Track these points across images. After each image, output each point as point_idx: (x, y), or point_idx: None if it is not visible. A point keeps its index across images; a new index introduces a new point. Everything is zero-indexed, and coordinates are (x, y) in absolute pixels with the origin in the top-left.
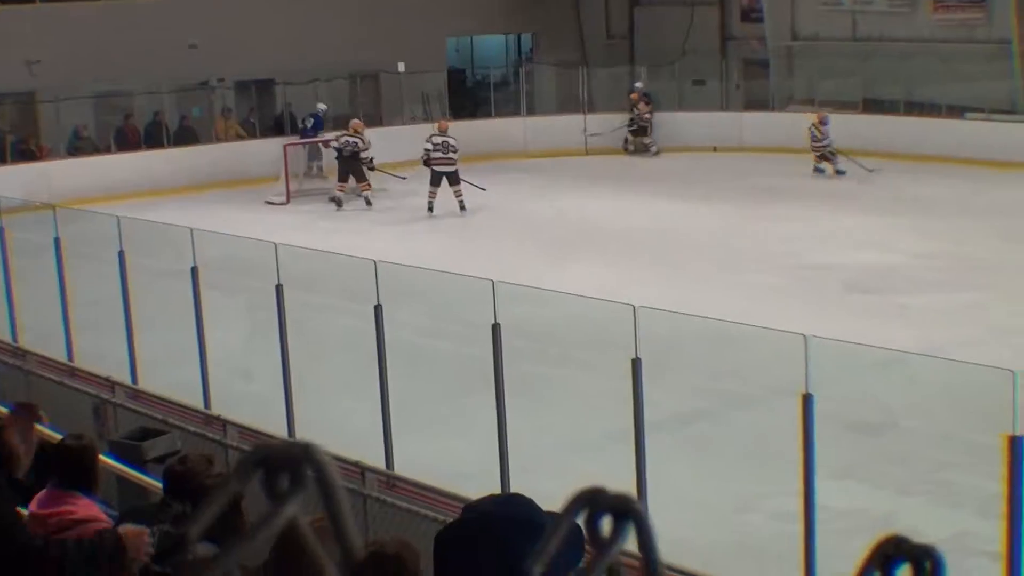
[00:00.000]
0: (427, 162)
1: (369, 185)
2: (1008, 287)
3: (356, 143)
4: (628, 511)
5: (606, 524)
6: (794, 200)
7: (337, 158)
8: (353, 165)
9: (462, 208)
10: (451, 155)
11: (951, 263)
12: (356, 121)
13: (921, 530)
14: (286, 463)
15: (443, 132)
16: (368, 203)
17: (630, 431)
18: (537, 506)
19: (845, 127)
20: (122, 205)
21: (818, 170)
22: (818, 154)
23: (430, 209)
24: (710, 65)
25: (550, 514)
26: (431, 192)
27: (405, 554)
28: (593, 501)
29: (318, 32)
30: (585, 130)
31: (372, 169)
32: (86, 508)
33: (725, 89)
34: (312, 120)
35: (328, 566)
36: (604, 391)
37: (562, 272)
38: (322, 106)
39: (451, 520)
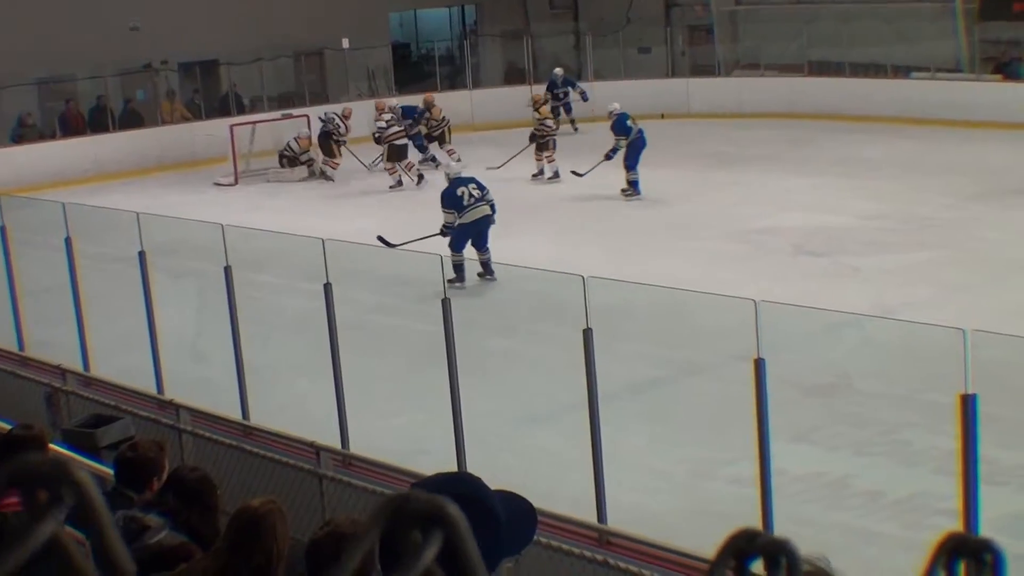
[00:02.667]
0: (383, 139)
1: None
2: (958, 246)
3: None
4: (439, 520)
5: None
6: (743, 165)
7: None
8: (325, 142)
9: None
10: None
11: (901, 224)
12: (379, 101)
13: (879, 490)
14: (42, 481)
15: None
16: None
17: (584, 402)
18: (484, 485)
19: (791, 90)
20: (69, 191)
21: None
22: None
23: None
24: (655, 32)
25: (499, 493)
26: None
27: (360, 532)
28: (399, 512)
29: (261, 11)
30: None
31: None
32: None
33: (671, 56)
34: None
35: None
36: (557, 363)
37: (512, 244)
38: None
39: None
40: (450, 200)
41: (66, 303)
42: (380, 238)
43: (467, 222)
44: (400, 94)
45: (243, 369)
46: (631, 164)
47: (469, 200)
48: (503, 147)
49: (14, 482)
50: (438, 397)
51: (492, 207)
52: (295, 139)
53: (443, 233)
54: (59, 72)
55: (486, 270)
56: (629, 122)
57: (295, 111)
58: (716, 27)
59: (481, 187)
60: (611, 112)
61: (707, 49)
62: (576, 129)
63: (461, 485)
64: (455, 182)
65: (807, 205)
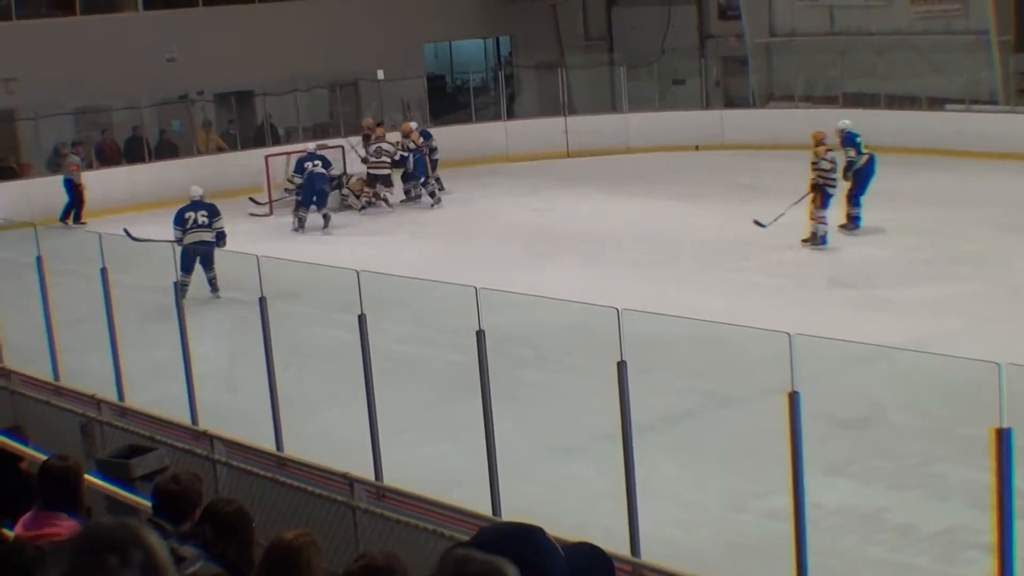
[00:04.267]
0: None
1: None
2: (993, 278)
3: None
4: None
5: None
6: (777, 196)
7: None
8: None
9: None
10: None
11: (935, 256)
12: (406, 124)
13: (913, 524)
14: (112, 545)
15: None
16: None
17: (618, 434)
18: (547, 542)
19: (825, 122)
20: (104, 221)
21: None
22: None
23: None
24: (689, 64)
25: (575, 547)
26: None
27: (395, 565)
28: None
29: (296, 42)
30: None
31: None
32: (71, 529)
33: (705, 87)
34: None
35: None
36: (590, 394)
37: (546, 275)
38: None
39: (454, 537)
40: (176, 219)
41: (101, 332)
42: (125, 231)
43: (187, 243)
44: (434, 125)
45: (277, 400)
46: (857, 196)
47: (192, 224)
48: (533, 179)
49: (87, 547)
50: (471, 428)
51: (219, 236)
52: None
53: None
54: (96, 102)
55: (212, 287)
56: (859, 139)
57: (330, 141)
58: (751, 59)
59: (212, 215)
60: (842, 129)
61: (741, 81)
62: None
63: (523, 543)
64: (189, 205)
65: (841, 237)
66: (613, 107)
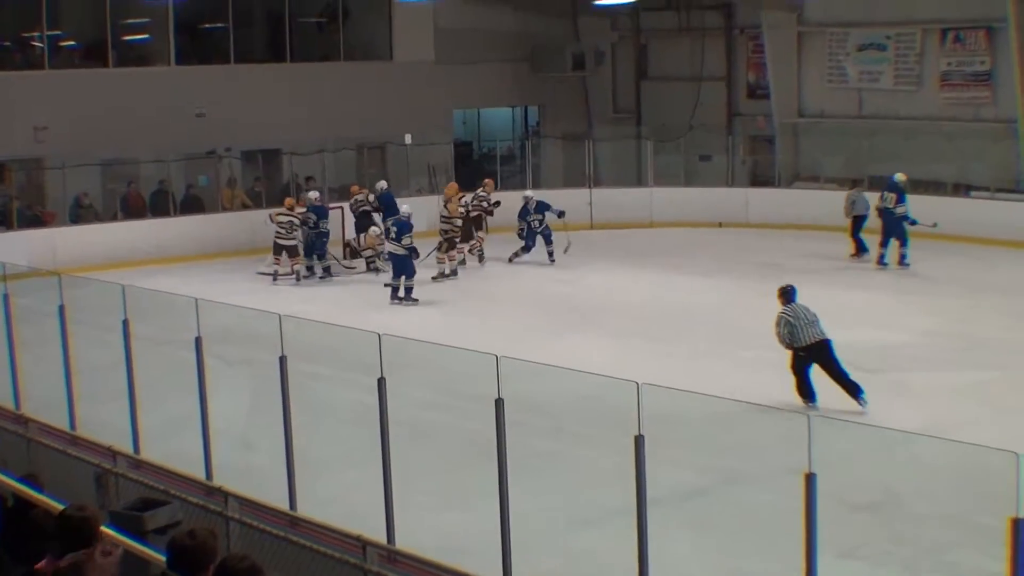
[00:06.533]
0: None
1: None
2: (1013, 367)
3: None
4: None
5: None
6: (799, 277)
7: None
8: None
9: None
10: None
11: (956, 342)
12: (488, 180)
13: None
14: None
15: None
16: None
17: (631, 508)
18: None
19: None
20: (127, 273)
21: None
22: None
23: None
24: (716, 141)
25: None
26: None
27: None
28: None
29: (326, 102)
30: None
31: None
32: None
33: (731, 165)
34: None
35: None
36: (606, 467)
37: (566, 346)
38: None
39: None
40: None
41: (119, 383)
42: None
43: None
44: (462, 191)
45: (292, 459)
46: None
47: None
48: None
49: None
50: (486, 496)
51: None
52: (363, 235)
53: None
54: (124, 154)
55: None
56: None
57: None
58: (777, 138)
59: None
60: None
61: (767, 159)
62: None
63: None
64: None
65: (861, 320)
66: (638, 181)
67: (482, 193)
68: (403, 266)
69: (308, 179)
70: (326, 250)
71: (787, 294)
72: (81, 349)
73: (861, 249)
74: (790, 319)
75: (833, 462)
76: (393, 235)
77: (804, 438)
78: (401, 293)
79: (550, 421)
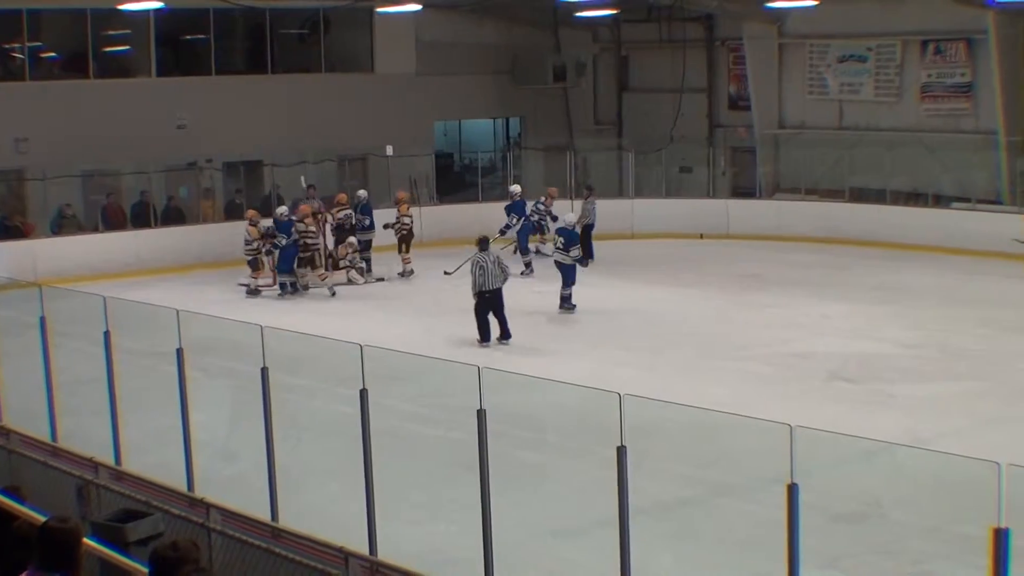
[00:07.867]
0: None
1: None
2: (995, 377)
3: None
4: None
5: None
6: (780, 288)
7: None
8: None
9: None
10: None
11: (936, 353)
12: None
13: None
14: None
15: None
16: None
17: (614, 518)
18: None
19: (831, 215)
20: (108, 284)
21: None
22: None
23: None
24: (697, 152)
25: None
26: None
27: None
28: None
29: (307, 115)
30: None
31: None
32: None
33: (712, 176)
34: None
35: None
36: (588, 478)
37: (548, 357)
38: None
39: None
40: None
41: (100, 395)
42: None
43: None
44: (441, 202)
45: (275, 470)
46: None
47: None
48: (537, 261)
49: None
50: (468, 507)
51: None
52: (340, 246)
53: None
54: (105, 165)
55: None
56: None
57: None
58: (758, 149)
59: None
60: None
61: (749, 171)
62: None
63: None
64: None
65: (843, 330)
66: (620, 192)
67: (542, 203)
68: (569, 275)
69: (310, 187)
70: (291, 266)
71: (482, 243)
72: (62, 361)
73: None
74: (482, 265)
75: (815, 473)
76: (560, 245)
77: (786, 449)
78: (572, 301)
79: (533, 432)
